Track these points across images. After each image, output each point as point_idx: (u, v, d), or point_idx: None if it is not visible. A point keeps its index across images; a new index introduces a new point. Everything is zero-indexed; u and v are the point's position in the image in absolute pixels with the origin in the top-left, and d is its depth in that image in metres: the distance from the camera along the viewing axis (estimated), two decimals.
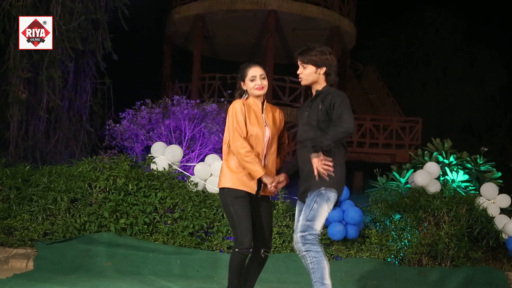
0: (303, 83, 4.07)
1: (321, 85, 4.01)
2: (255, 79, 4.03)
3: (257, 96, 4.08)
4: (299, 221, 3.86)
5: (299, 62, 4.05)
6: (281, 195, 6.63)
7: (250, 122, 4.00)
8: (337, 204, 4.10)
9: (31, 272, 5.77)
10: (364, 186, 14.17)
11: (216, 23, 15.33)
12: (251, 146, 3.96)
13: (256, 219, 4.01)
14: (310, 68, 3.99)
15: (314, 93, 4.04)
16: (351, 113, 3.82)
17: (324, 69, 3.98)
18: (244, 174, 3.95)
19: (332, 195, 3.85)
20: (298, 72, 4.06)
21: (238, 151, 3.90)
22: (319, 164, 3.75)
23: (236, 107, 4.00)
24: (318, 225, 3.81)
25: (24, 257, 6.19)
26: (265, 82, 4.06)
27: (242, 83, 4.09)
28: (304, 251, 3.77)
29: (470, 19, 21.60)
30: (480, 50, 21.99)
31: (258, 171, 3.89)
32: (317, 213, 3.81)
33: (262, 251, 4.06)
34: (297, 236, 3.80)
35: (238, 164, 3.96)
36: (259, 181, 4.00)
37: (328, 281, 3.74)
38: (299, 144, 4.03)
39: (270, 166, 4.07)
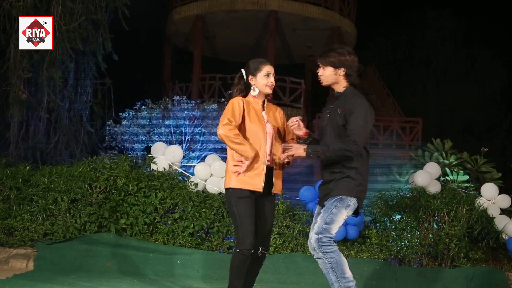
0: (323, 84, 4.07)
1: (341, 86, 4.01)
2: (270, 75, 4.04)
3: (264, 94, 4.07)
4: (316, 223, 3.89)
5: (319, 64, 4.06)
6: (281, 195, 6.62)
7: (250, 119, 3.99)
8: (358, 213, 4.07)
9: (31, 272, 5.76)
10: None
11: (216, 24, 15.33)
12: (254, 143, 3.94)
13: (257, 218, 4.00)
14: (329, 69, 3.99)
15: (335, 94, 4.05)
16: (365, 131, 3.83)
17: (343, 70, 3.97)
18: (247, 173, 3.93)
19: (352, 202, 3.87)
20: (318, 73, 4.06)
21: (226, 134, 3.86)
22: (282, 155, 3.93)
23: (234, 102, 3.98)
24: (334, 229, 3.85)
25: (24, 257, 6.19)
26: (274, 82, 4.10)
27: (250, 77, 4.06)
28: (321, 253, 3.81)
29: (470, 19, 21.60)
30: (480, 51, 21.98)
31: (249, 151, 3.87)
32: (335, 217, 3.84)
33: (260, 249, 4.06)
34: (312, 237, 3.84)
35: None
36: (268, 179, 3.99)
37: (348, 273, 3.82)
38: None
39: (279, 165, 4.06)
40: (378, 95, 18.59)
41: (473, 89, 21.91)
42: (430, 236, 6.49)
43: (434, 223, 6.56)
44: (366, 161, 3.96)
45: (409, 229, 6.57)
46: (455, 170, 8.55)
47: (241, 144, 3.87)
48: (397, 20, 22.27)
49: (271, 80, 4.03)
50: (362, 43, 19.06)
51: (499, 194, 6.96)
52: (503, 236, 6.62)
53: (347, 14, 15.78)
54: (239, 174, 3.91)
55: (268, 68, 4.03)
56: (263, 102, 4.11)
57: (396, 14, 22.29)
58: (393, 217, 6.68)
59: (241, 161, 3.90)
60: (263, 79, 4.02)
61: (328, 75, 3.99)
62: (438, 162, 8.16)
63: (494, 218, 6.73)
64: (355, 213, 3.97)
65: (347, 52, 3.98)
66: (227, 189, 4.00)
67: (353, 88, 4.00)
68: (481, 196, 6.95)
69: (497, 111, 22.13)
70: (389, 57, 22.59)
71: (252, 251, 3.89)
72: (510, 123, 21.71)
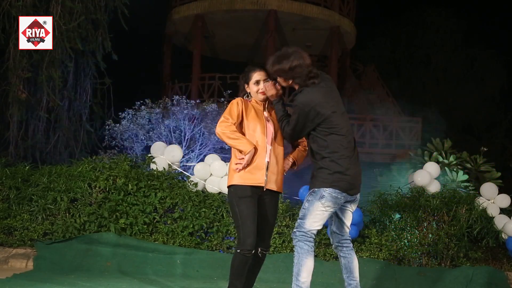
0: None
1: (296, 86, 4.06)
2: (259, 82, 4.07)
3: (259, 100, 4.12)
4: None
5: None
6: (281, 195, 6.61)
7: (248, 118, 4.03)
8: (352, 194, 3.94)
9: (31, 272, 5.77)
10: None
11: (216, 23, 15.34)
12: (252, 139, 3.97)
13: (258, 217, 3.99)
14: (279, 80, 4.05)
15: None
16: (294, 125, 3.92)
17: (290, 80, 4.01)
18: (248, 168, 3.94)
19: (327, 193, 3.86)
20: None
21: (223, 131, 3.95)
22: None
23: (233, 102, 4.07)
24: (308, 223, 3.90)
25: (24, 257, 6.19)
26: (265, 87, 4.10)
27: (246, 86, 4.14)
28: (294, 247, 3.94)
29: (470, 19, 21.59)
30: (480, 50, 21.97)
31: (246, 145, 3.91)
32: (308, 211, 3.91)
33: (259, 250, 4.05)
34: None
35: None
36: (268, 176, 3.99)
37: (303, 278, 3.85)
38: None
39: (278, 161, 4.06)
40: (377, 95, 18.60)
41: (472, 89, 21.90)
42: (430, 235, 6.49)
43: (434, 223, 6.56)
44: (344, 146, 3.88)
45: (408, 228, 6.57)
46: (455, 169, 8.56)
47: (237, 139, 3.92)
48: (397, 20, 22.27)
49: (261, 86, 4.07)
50: (361, 43, 19.07)
51: (498, 194, 6.96)
52: (503, 236, 6.63)
53: (346, 13, 15.79)
54: (240, 170, 3.92)
55: (257, 76, 4.07)
56: (265, 102, 4.13)
57: (396, 14, 22.29)
58: (393, 216, 6.68)
59: (242, 158, 3.92)
60: (254, 87, 4.09)
61: (281, 82, 4.06)
62: (437, 162, 8.16)
63: (494, 217, 6.73)
64: (352, 195, 3.92)
65: (289, 66, 3.93)
66: (229, 187, 4.02)
67: (309, 83, 3.98)
68: (481, 195, 6.96)
69: (496, 110, 22.12)
70: (389, 57, 22.58)
71: (253, 251, 3.89)
72: (509, 122, 21.71)
